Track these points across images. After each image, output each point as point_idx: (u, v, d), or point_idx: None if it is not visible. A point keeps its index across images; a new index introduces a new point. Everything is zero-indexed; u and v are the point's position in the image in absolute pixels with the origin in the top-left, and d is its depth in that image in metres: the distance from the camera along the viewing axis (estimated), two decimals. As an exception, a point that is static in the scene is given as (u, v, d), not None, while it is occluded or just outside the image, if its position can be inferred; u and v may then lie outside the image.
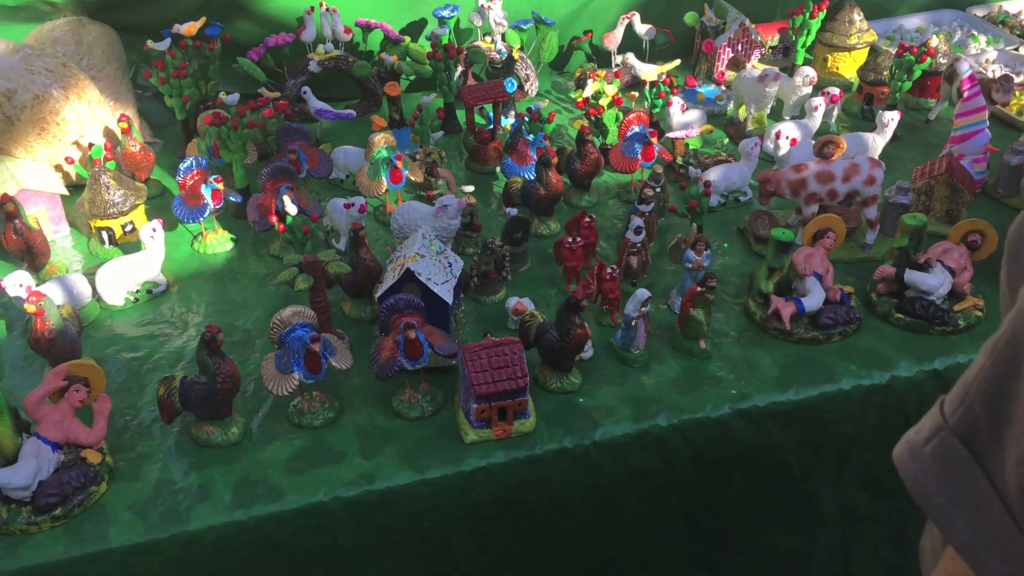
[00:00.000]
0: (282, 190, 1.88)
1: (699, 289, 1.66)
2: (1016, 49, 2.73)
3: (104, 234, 1.95)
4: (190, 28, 2.25)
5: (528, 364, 1.54)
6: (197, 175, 1.94)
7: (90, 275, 1.81)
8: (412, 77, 2.43)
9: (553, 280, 1.93)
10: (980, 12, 2.98)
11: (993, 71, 2.61)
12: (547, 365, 1.64)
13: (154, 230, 1.81)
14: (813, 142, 2.12)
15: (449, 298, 1.66)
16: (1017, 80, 2.55)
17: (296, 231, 1.83)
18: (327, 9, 2.39)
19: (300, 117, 2.42)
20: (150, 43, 2.22)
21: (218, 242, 2.00)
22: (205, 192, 1.92)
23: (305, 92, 2.31)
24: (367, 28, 2.46)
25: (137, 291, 1.84)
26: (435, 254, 1.73)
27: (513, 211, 1.93)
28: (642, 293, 1.63)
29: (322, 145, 2.29)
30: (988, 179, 2.15)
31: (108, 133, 2.15)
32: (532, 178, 2.08)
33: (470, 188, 2.02)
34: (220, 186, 1.93)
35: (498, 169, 2.26)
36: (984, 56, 2.68)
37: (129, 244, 1.97)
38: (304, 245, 1.86)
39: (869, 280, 1.84)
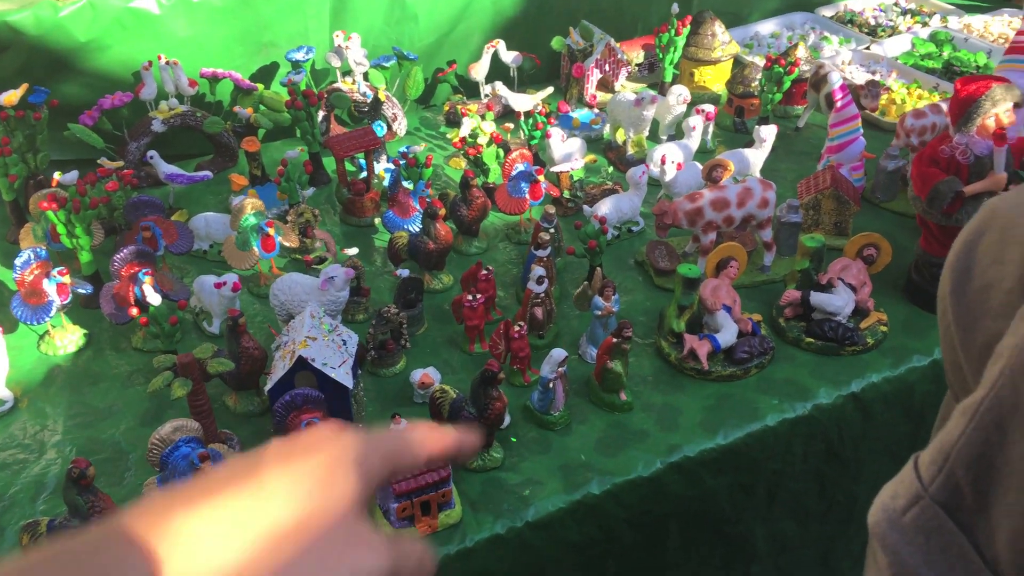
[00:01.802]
0: (139, 276, 1.67)
1: (615, 340, 1.58)
2: (868, 48, 2.80)
3: (-69, 349, 1.68)
4: (10, 98, 1.98)
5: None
6: (37, 268, 1.70)
7: (-82, 401, 1.55)
8: (271, 126, 2.24)
9: (454, 340, 1.81)
10: (828, 12, 3.06)
11: (851, 72, 2.67)
12: (465, 443, 1.51)
13: (-8, 341, 1.57)
14: (697, 163, 2.09)
15: (349, 382, 1.51)
16: (873, 78, 2.61)
17: (162, 322, 1.63)
18: (167, 62, 2.17)
19: (148, 182, 2.19)
20: (-37, 120, 1.94)
21: (69, 340, 1.76)
22: (49, 287, 1.68)
23: (152, 156, 2.09)
24: (214, 79, 2.26)
25: (-21, 413, 1.59)
26: (327, 333, 1.57)
27: (405, 272, 1.79)
28: (558, 353, 1.53)
29: (176, 214, 2.08)
30: (866, 185, 2.18)
31: (-78, 227, 1.87)
32: (417, 231, 1.95)
33: (353, 250, 1.86)
34: (66, 279, 1.70)
35: (378, 222, 2.12)
36: (840, 57, 2.74)
37: (-37, 356, 1.71)
38: (172, 337, 1.66)
39: (774, 304, 1.81)
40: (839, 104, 2.12)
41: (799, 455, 1.64)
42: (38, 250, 1.72)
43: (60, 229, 1.75)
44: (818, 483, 1.71)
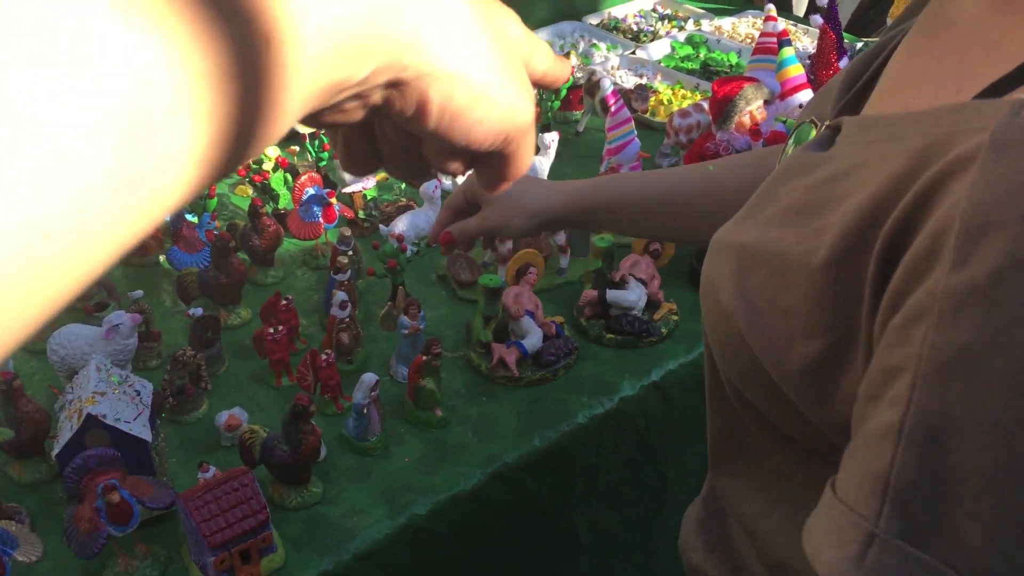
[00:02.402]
0: None
1: (425, 358, 1.58)
2: (633, 52, 2.98)
3: None
4: None
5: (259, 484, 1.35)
6: None
7: None
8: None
9: (258, 375, 1.74)
10: (594, 20, 3.22)
11: (621, 76, 2.82)
12: (281, 482, 1.46)
13: None
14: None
15: (148, 435, 1.42)
16: (641, 81, 2.78)
17: (-79, 396, 1.46)
18: None
19: None
20: None
21: None
22: None
23: None
24: None
25: None
26: (117, 386, 1.46)
27: (198, 310, 1.70)
28: (369, 378, 1.52)
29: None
30: (645, 183, 2.32)
31: None
32: (207, 266, 1.86)
33: (138, 293, 1.75)
34: None
35: (162, 259, 2.00)
36: (609, 63, 2.89)
37: None
38: (-64, 410, 1.49)
39: (575, 305, 1.88)
40: (613, 108, 2.23)
41: (611, 447, 1.71)
42: None
43: None
44: (631, 471, 1.79)
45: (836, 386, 0.65)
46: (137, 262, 2.01)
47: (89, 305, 1.80)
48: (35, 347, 1.74)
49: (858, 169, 0.66)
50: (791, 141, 0.86)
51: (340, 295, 1.71)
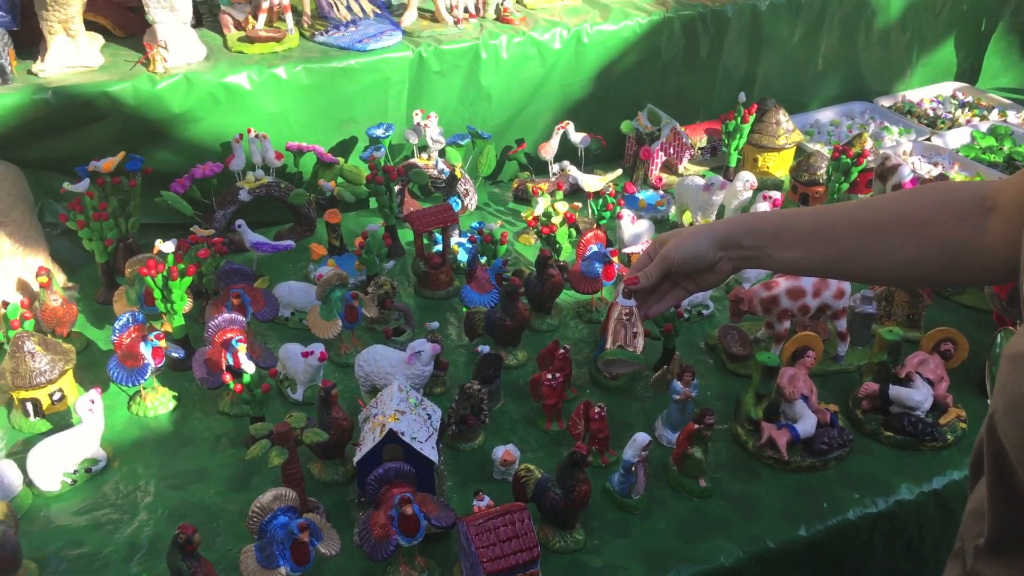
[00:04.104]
0: (233, 343, 1.72)
1: (697, 426, 1.60)
2: (928, 139, 2.85)
3: (29, 406, 1.73)
4: (108, 164, 2.07)
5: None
6: (134, 332, 1.76)
7: (18, 457, 1.60)
8: (354, 200, 2.32)
9: (530, 418, 1.83)
10: (886, 103, 3.12)
11: (913, 163, 2.71)
12: (548, 524, 1.53)
13: (92, 402, 1.61)
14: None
15: (435, 456, 1.54)
16: (937, 171, 2.65)
17: (255, 390, 1.68)
18: (256, 135, 2.27)
19: (232, 249, 2.26)
20: (67, 185, 2.03)
21: (159, 402, 1.81)
22: (145, 350, 1.74)
23: (240, 225, 2.16)
24: (299, 152, 2.35)
25: (75, 472, 1.63)
26: (414, 407, 1.60)
27: (485, 348, 1.83)
28: (642, 438, 1.55)
29: (258, 281, 2.14)
30: (935, 277, 2.20)
31: (23, 288, 1.94)
32: (494, 307, 1.99)
33: (435, 324, 1.91)
34: (162, 343, 1.75)
35: (458, 297, 2.16)
36: (900, 148, 2.79)
37: (57, 414, 1.76)
38: (263, 404, 1.71)
39: (850, 396, 1.82)
40: (909, 197, 2.15)
41: (879, 551, 1.63)
42: (136, 314, 1.78)
43: (156, 294, 1.81)
44: (896, 579, 1.70)
45: None
46: (430, 295, 2.20)
47: (388, 328, 1.98)
48: (340, 360, 1.94)
49: None
50: None
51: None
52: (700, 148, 2.80)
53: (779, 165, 2.72)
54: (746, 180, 2.36)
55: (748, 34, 2.90)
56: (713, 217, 2.41)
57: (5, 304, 1.82)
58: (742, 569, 1.51)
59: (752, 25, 2.89)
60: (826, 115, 3.06)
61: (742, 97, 2.59)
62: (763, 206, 2.24)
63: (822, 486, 1.65)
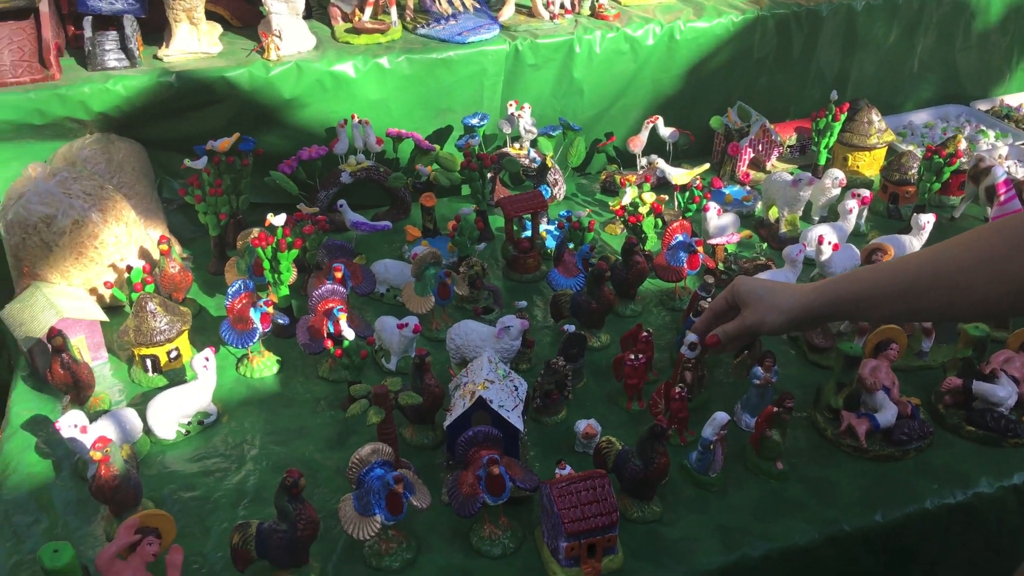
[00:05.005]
0: (335, 312, 1.83)
1: (776, 410, 1.64)
2: (1025, 144, 2.80)
3: (148, 362, 1.88)
4: (224, 144, 2.22)
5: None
6: (245, 298, 1.89)
7: (137, 408, 1.74)
8: (449, 184, 2.43)
9: (611, 396, 1.90)
10: (983, 106, 3.08)
11: (1009, 166, 2.67)
12: (628, 494, 1.60)
13: (207, 359, 1.75)
14: (852, 245, 2.14)
15: (521, 425, 1.62)
16: (1032, 175, 2.61)
17: (353, 356, 1.79)
18: (359, 121, 2.39)
19: (333, 227, 2.39)
20: (187, 162, 2.18)
21: (265, 366, 1.94)
22: (254, 316, 1.87)
23: (341, 205, 2.29)
24: (398, 138, 2.46)
25: (188, 423, 1.77)
26: (502, 378, 1.69)
27: (571, 328, 1.90)
28: (721, 417, 1.60)
29: (356, 258, 2.26)
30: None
31: (145, 255, 2.10)
32: (580, 290, 2.06)
33: (523, 303, 1.99)
34: (270, 309, 1.88)
35: (545, 280, 2.24)
36: (996, 152, 2.75)
37: (173, 371, 1.90)
38: (360, 370, 1.82)
39: (933, 390, 1.83)
40: (1002, 198, 2.14)
41: (957, 542, 1.64)
42: (247, 281, 1.91)
43: (265, 264, 1.94)
44: (973, 570, 1.70)
45: None
46: (517, 278, 2.28)
47: (478, 307, 2.08)
48: (433, 335, 2.04)
49: None
50: None
51: (691, 336, 1.82)
52: (789, 146, 2.82)
53: (869, 165, 2.71)
54: (835, 177, 2.38)
55: (842, 34, 2.90)
56: (800, 213, 2.43)
57: (129, 268, 1.97)
58: (816, 550, 1.55)
59: (847, 25, 2.89)
60: (920, 117, 3.03)
61: (834, 95, 2.60)
62: (851, 203, 2.25)
63: (899, 475, 1.67)
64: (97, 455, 1.44)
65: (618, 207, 2.36)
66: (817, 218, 2.46)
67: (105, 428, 1.63)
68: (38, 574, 1.47)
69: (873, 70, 3.01)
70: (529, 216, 2.31)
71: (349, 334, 1.78)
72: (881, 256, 2.01)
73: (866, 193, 2.35)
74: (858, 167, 2.71)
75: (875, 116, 2.68)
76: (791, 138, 2.82)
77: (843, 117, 2.58)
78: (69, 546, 1.28)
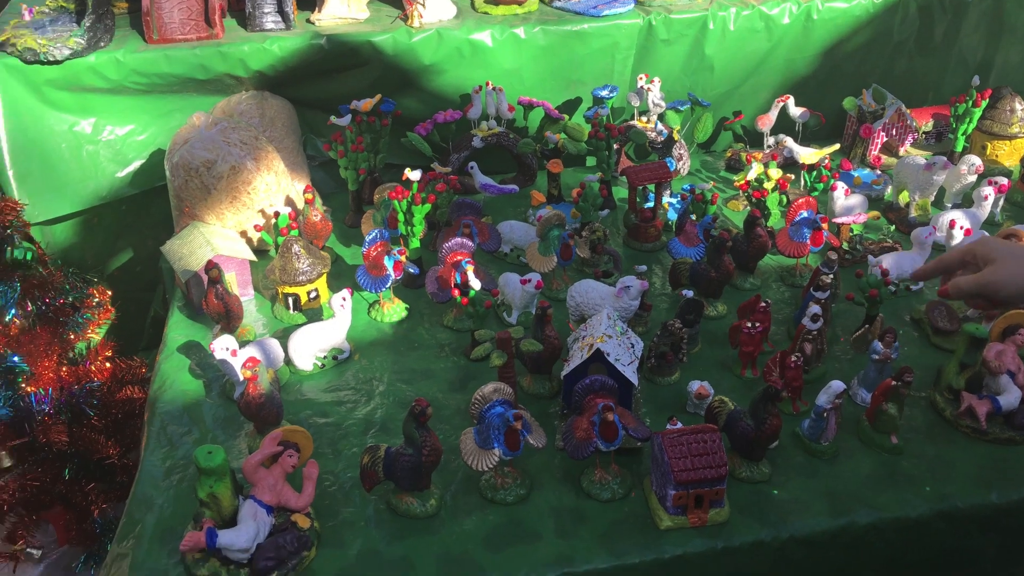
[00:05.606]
0: (463, 264, 1.93)
1: (894, 383, 1.64)
2: None
3: (290, 300, 2.03)
4: (367, 104, 2.35)
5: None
6: (380, 247, 2.01)
7: (280, 339, 1.89)
8: (576, 152, 2.49)
9: (725, 363, 1.93)
10: None
11: None
12: (738, 453, 1.63)
13: (344, 299, 1.88)
14: (985, 232, 2.09)
15: (635, 379, 1.67)
16: None
17: (478, 305, 1.88)
18: (493, 88, 2.48)
19: (461, 188, 2.49)
20: (333, 119, 2.33)
21: (394, 311, 2.06)
22: (388, 263, 1.99)
23: (472, 167, 2.39)
24: (529, 107, 2.54)
25: (324, 357, 1.90)
26: (619, 335, 1.75)
27: (689, 293, 1.94)
28: (837, 385, 1.62)
29: (484, 218, 2.35)
30: None
31: (290, 203, 2.25)
32: (700, 259, 2.09)
33: (643, 267, 2.04)
34: (403, 258, 2.00)
35: (665, 248, 2.28)
36: None
37: (312, 310, 2.05)
38: (483, 319, 1.91)
39: (1062, 379, 1.78)
40: None
41: (1075, 531, 1.61)
42: (383, 232, 2.03)
43: (400, 217, 2.06)
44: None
45: None
46: (637, 246, 2.33)
47: (598, 270, 2.14)
48: (554, 294, 2.12)
49: None
50: None
51: (814, 308, 1.83)
52: (925, 132, 2.75)
53: (1009, 154, 2.62)
54: (972, 163, 2.32)
55: (988, 20, 2.81)
56: (932, 198, 2.39)
57: (277, 214, 2.12)
58: (928, 524, 1.55)
59: (993, 10, 2.79)
60: None
61: (975, 81, 2.53)
62: (987, 190, 2.20)
63: (1020, 459, 1.64)
64: (248, 372, 1.58)
65: (742, 182, 2.37)
66: (950, 204, 2.41)
67: (252, 353, 1.78)
68: (188, 477, 1.62)
69: (1019, 59, 2.90)
70: (653, 187, 2.36)
71: (476, 284, 1.88)
72: (1015, 241, 1.96)
73: (1004, 180, 2.28)
74: (997, 156, 2.63)
75: (1018, 104, 2.59)
76: (927, 124, 2.75)
77: (984, 104, 2.51)
78: (221, 449, 1.42)
